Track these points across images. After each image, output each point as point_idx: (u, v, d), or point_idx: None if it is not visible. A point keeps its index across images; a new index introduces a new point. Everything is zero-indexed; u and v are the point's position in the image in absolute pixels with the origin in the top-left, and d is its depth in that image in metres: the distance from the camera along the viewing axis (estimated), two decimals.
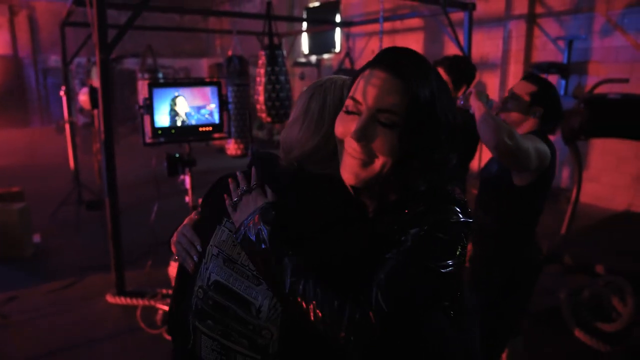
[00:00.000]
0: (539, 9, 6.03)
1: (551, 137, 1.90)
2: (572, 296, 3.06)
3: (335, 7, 9.75)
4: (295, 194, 0.88)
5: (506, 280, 1.91)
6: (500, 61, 6.46)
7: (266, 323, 0.83)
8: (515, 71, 6.24)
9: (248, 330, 0.84)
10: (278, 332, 0.83)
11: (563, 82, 5.69)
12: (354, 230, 0.84)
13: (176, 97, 2.54)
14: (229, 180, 0.94)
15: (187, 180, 2.75)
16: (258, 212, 0.84)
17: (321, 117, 0.90)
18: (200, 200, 3.13)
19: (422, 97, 0.78)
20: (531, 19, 6.07)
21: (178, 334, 1.00)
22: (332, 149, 0.88)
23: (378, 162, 0.81)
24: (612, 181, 5.49)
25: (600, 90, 4.04)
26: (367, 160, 0.81)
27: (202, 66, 13.18)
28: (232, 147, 4.54)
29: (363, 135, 0.79)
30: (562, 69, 5.50)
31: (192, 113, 2.63)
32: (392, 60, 0.81)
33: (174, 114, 2.72)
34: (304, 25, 9.64)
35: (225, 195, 0.92)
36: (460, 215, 0.82)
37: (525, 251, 1.92)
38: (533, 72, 1.97)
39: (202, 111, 2.68)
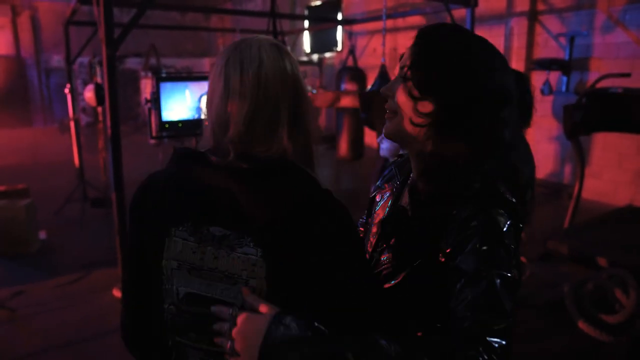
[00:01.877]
0: (540, 6, 6.05)
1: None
2: (575, 289, 3.08)
3: (336, 6, 9.78)
4: (248, 197, 0.79)
5: None
6: None
7: None
8: (517, 68, 6.20)
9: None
10: None
11: (565, 78, 5.71)
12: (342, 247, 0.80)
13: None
14: (216, 309, 0.80)
15: None
16: (272, 337, 0.71)
17: (242, 85, 0.81)
18: None
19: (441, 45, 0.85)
20: (533, 16, 6.08)
21: (146, 351, 0.95)
22: (267, 121, 0.81)
23: (401, 117, 0.88)
24: (614, 177, 5.50)
25: (601, 85, 4.06)
26: (392, 114, 0.90)
27: (204, 65, 13.21)
28: None
29: (387, 89, 0.90)
30: (564, 66, 5.52)
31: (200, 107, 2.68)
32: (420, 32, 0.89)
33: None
34: (306, 23, 9.67)
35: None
36: (509, 221, 0.80)
37: None
38: None
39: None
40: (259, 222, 0.78)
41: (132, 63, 11.19)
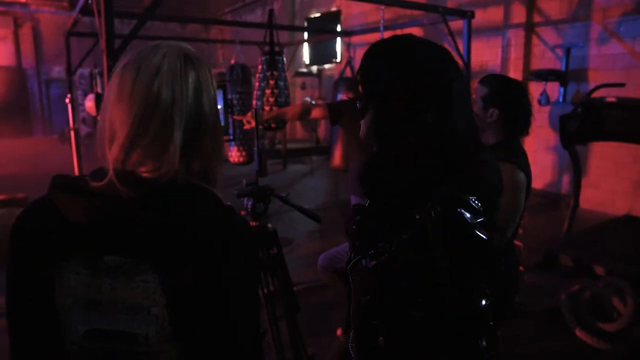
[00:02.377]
0: (537, 18, 6.13)
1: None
2: (572, 297, 3.09)
3: (335, 18, 9.89)
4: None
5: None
6: (499, 69, 6.53)
7: (160, 346, 0.75)
8: (515, 79, 6.32)
9: None
10: (176, 350, 0.76)
11: (562, 89, 5.77)
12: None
13: None
14: None
15: None
16: None
17: (133, 92, 0.74)
18: None
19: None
20: (529, 28, 6.16)
21: None
22: (155, 136, 0.74)
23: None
24: (612, 186, 5.53)
25: (597, 95, 4.10)
26: None
27: None
28: (234, 155, 4.59)
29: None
30: (561, 76, 5.57)
31: None
32: None
33: None
34: (306, 35, 9.77)
35: None
36: (469, 219, 0.82)
37: (507, 259, 1.80)
38: (489, 74, 1.83)
39: None
40: (154, 247, 0.73)
41: None
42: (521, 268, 3.72)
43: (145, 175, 0.74)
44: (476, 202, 0.83)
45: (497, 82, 1.77)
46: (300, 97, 10.78)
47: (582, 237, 3.90)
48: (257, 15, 12.21)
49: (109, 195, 0.73)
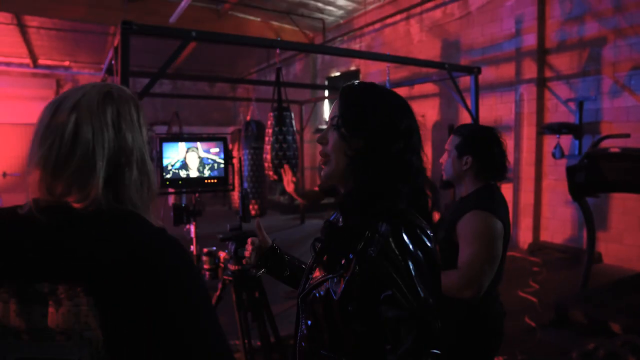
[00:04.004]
0: (548, 73, 6.20)
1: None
2: (585, 355, 2.92)
3: (355, 77, 10.25)
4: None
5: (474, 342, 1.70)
6: (513, 123, 6.56)
7: None
8: (529, 133, 6.32)
9: None
10: None
11: (576, 142, 5.72)
12: None
13: (188, 150, 2.67)
14: None
15: (192, 229, 2.86)
16: None
17: (50, 125, 0.80)
18: (205, 250, 3.09)
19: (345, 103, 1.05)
20: (541, 83, 6.22)
21: None
22: (77, 168, 0.78)
23: (334, 159, 1.03)
24: (636, 241, 5.31)
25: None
26: (326, 158, 1.05)
27: (228, 133, 13.84)
28: None
29: (321, 137, 1.06)
30: (574, 129, 5.54)
31: (200, 165, 2.75)
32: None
33: (185, 166, 2.85)
34: (326, 92, 10.13)
35: None
36: (415, 232, 0.93)
37: (490, 306, 1.74)
38: (462, 124, 1.91)
39: (208, 159, 2.78)
40: (84, 271, 0.75)
41: (160, 130, 11.86)
42: (533, 324, 3.57)
43: (73, 205, 0.78)
44: (428, 230, 0.95)
45: (469, 130, 1.84)
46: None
47: (598, 293, 3.72)
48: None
49: (32, 224, 0.77)
